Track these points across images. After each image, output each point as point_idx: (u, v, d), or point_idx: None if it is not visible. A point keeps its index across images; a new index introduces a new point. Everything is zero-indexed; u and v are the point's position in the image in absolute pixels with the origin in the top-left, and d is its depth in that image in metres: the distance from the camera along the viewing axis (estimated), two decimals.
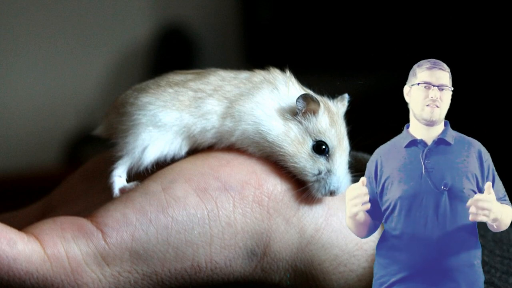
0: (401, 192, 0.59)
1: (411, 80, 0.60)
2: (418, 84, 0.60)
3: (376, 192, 0.60)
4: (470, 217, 0.58)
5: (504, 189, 0.60)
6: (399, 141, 0.61)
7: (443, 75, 0.60)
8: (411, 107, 0.60)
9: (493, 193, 0.58)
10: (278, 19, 2.15)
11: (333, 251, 0.66)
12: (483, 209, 0.57)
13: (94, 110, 2.19)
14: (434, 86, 0.59)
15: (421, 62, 0.60)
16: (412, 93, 0.60)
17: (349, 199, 0.60)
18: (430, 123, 0.60)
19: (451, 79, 0.60)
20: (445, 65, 0.60)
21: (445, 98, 0.60)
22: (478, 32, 1.82)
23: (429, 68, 0.60)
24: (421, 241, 0.58)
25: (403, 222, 0.59)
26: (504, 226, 0.59)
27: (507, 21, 1.81)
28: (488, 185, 0.58)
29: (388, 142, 0.61)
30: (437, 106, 0.59)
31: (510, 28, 1.80)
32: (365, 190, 0.60)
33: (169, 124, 0.67)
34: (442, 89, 0.60)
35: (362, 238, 0.61)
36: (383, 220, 0.60)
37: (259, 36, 2.18)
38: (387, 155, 0.60)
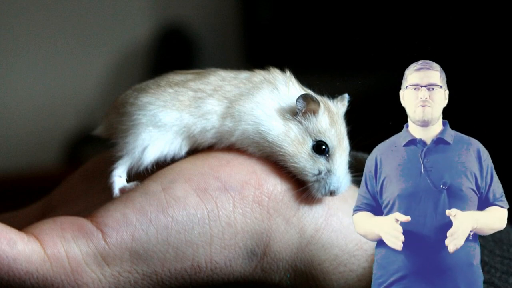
0: (399, 190, 0.59)
1: (403, 83, 0.61)
2: (407, 87, 0.60)
3: (376, 190, 0.60)
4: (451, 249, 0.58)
5: (501, 190, 0.60)
6: (398, 139, 0.61)
7: (432, 75, 0.60)
8: (406, 110, 0.61)
9: (459, 217, 0.58)
10: (278, 19, 2.15)
11: (333, 251, 0.66)
12: (452, 237, 0.58)
13: (94, 110, 2.19)
14: (422, 86, 0.60)
15: (411, 65, 0.61)
16: (405, 97, 0.60)
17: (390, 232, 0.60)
18: (424, 124, 0.60)
19: (443, 78, 0.60)
20: (434, 65, 0.60)
21: (436, 97, 0.60)
22: (478, 32, 1.82)
23: (417, 70, 0.60)
24: (420, 240, 0.58)
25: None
26: (490, 230, 0.59)
27: (507, 21, 1.81)
28: (451, 212, 0.58)
29: (387, 140, 0.61)
30: (428, 106, 0.60)
31: (510, 28, 1.80)
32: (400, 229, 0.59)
33: (169, 124, 0.67)
34: (432, 89, 0.60)
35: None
36: None
37: (259, 36, 2.18)
38: (386, 153, 0.61)
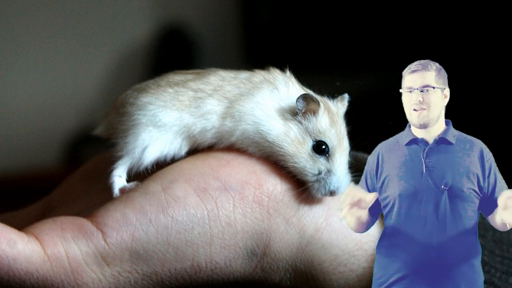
0: (401, 189, 0.59)
1: (402, 85, 0.60)
2: (403, 90, 0.60)
3: (376, 187, 0.60)
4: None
5: (507, 188, 0.59)
6: (401, 138, 0.61)
7: (426, 76, 0.59)
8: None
9: None
10: (278, 19, 2.15)
11: (333, 251, 0.66)
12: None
13: (94, 110, 2.19)
14: (415, 89, 0.59)
15: (408, 66, 0.60)
16: (402, 99, 0.60)
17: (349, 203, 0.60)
18: (421, 126, 0.60)
19: (441, 77, 0.60)
20: (430, 65, 0.60)
21: (432, 99, 0.59)
22: (478, 32, 1.82)
23: (411, 72, 0.60)
24: (420, 241, 0.58)
25: (402, 221, 0.59)
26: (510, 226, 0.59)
27: (507, 21, 1.81)
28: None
29: (390, 139, 0.61)
30: (424, 109, 0.59)
31: (510, 28, 1.80)
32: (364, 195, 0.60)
33: (169, 124, 0.67)
34: (427, 90, 0.59)
35: (359, 233, 0.61)
36: (384, 218, 0.60)
37: (259, 36, 2.18)
38: (389, 152, 0.60)
